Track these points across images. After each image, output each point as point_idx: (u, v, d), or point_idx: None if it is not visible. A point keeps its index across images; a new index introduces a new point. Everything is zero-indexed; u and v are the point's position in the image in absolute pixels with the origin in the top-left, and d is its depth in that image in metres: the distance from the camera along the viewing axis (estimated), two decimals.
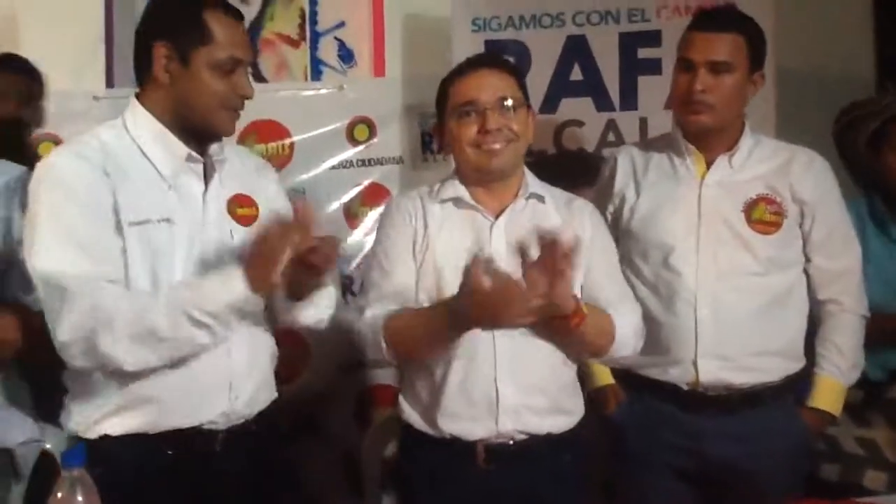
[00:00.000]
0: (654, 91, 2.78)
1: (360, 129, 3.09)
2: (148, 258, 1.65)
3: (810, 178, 2.08)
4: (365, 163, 3.09)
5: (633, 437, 2.13)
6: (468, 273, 1.58)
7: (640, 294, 2.06)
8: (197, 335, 1.61)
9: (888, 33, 3.14)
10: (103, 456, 1.58)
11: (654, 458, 2.09)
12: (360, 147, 3.10)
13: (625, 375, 2.14)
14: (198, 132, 1.74)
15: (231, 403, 1.73)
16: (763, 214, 2.05)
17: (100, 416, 1.68)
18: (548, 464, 1.82)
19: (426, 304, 1.82)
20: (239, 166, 1.86)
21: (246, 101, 1.75)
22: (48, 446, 2.02)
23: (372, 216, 3.03)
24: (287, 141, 3.04)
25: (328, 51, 3.34)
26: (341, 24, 3.35)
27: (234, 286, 1.59)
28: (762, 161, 2.10)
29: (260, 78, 3.23)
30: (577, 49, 2.90)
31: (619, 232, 2.15)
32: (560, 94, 2.91)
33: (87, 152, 1.67)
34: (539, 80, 2.87)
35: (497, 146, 1.81)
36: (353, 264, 3.01)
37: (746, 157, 2.09)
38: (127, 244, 1.64)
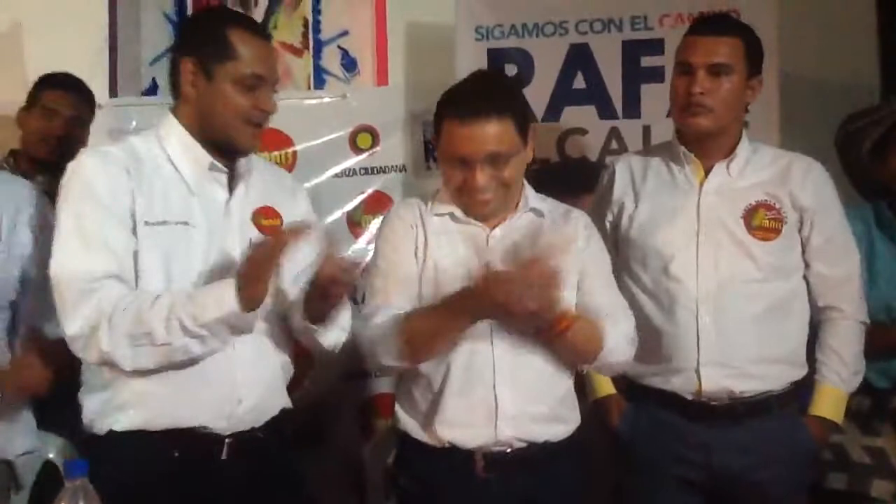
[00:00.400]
0: (657, 99, 2.76)
1: (363, 137, 3.08)
2: (162, 259, 1.70)
3: (809, 185, 2.08)
4: (368, 171, 3.08)
5: (639, 449, 2.12)
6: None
7: (639, 302, 2.06)
8: (190, 344, 1.64)
9: (893, 41, 3.14)
10: (110, 454, 1.63)
11: (660, 470, 2.08)
12: (364, 155, 3.09)
13: (628, 385, 2.14)
14: (221, 146, 1.79)
15: (233, 407, 1.74)
16: (763, 221, 2.05)
17: (106, 410, 1.71)
18: (546, 472, 1.82)
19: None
20: (270, 181, 1.92)
21: None
22: (51, 456, 2.02)
23: (375, 224, 3.00)
24: (290, 150, 3.03)
25: (331, 59, 3.35)
26: (344, 33, 3.36)
27: (225, 302, 1.62)
28: (761, 168, 2.10)
29: None
30: (580, 57, 2.91)
31: (619, 240, 2.15)
32: (563, 103, 2.91)
33: (112, 152, 1.75)
34: (542, 88, 2.89)
35: (485, 197, 1.80)
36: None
37: (744, 164, 2.09)
38: (141, 243, 1.69)
